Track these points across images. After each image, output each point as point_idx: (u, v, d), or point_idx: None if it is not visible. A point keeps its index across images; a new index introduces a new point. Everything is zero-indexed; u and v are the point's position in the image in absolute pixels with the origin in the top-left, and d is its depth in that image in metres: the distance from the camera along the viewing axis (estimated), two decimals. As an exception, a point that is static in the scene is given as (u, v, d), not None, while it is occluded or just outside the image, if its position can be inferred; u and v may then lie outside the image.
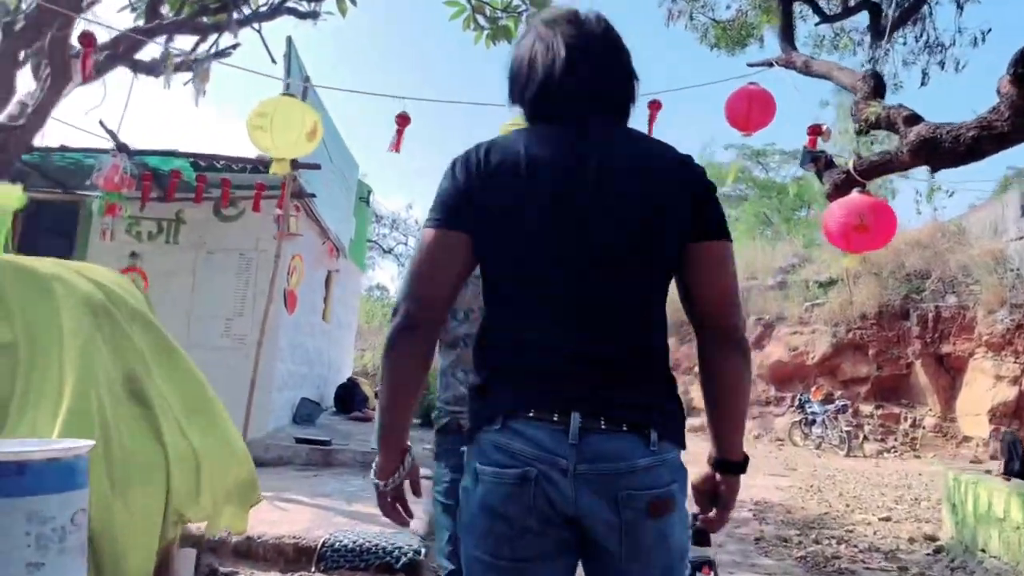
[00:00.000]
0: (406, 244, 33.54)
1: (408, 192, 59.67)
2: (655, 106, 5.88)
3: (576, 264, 1.39)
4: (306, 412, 9.14)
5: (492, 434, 1.39)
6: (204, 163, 8.10)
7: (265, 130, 4.89)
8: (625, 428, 1.36)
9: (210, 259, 8.39)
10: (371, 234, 34.48)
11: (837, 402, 14.79)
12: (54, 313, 2.60)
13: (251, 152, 7.66)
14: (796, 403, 15.73)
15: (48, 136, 7.53)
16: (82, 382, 2.45)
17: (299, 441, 7.26)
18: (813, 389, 15.67)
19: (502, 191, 1.40)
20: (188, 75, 7.57)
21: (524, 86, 1.51)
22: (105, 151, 7.09)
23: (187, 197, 7.76)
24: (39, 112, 6.66)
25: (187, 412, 2.87)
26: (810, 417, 15.14)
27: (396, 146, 6.31)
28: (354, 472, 6.76)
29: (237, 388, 7.94)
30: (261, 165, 7.78)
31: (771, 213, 26.50)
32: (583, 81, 1.46)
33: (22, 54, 6.74)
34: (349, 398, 10.60)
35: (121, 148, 7.07)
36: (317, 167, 7.60)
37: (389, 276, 39.18)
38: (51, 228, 8.46)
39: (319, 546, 4.24)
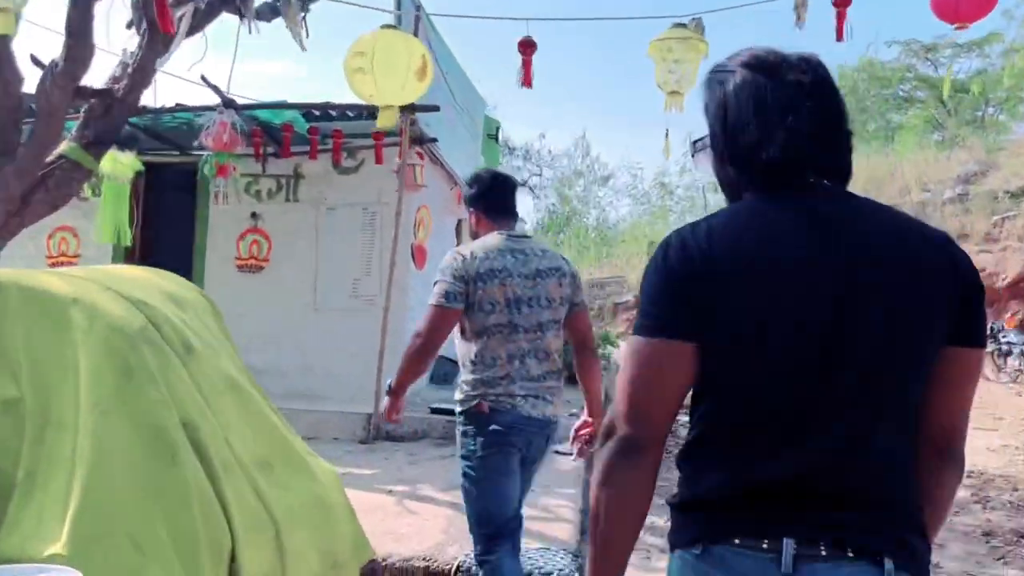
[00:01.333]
0: (540, 175, 32.65)
1: (539, 120, 58.20)
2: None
3: (822, 379, 1.15)
4: (443, 372, 8.58)
5: (691, 559, 1.22)
6: (317, 113, 7.50)
7: (366, 72, 4.08)
8: (851, 554, 1.14)
9: (332, 216, 7.85)
10: (505, 167, 33.93)
11: (1040, 332, 12.88)
12: (70, 353, 1.92)
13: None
14: (988, 332, 13.86)
15: (164, 96, 7.11)
16: (100, 457, 1.76)
17: (434, 411, 6.67)
18: (1007, 316, 13.76)
19: (736, 292, 1.16)
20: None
21: (751, 142, 1.23)
22: (213, 108, 6.57)
23: (303, 151, 7.17)
24: (140, 71, 6.17)
25: (261, 466, 2.16)
26: (1005, 347, 13.32)
27: (526, 79, 5.41)
28: (495, 448, 6.10)
29: (368, 352, 7.47)
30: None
31: (943, 117, 23.58)
32: (819, 141, 1.22)
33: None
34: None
35: (228, 104, 6.53)
36: (436, 109, 6.79)
37: (524, 210, 38.37)
38: (171, 193, 8.17)
39: (453, 571, 3.57)
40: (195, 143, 6.64)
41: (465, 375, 2.84)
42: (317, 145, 6.97)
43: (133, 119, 6.96)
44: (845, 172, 1.26)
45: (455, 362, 8.23)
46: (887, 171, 18.37)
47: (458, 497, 4.27)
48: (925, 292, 1.17)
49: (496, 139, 11.99)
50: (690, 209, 24.42)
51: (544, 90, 48.28)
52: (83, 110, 6.34)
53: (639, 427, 1.20)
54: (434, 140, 7.62)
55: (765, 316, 1.15)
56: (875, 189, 17.96)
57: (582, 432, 2.95)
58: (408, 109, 6.52)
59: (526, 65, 5.35)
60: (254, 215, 7.88)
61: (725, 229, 1.20)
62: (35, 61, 5.16)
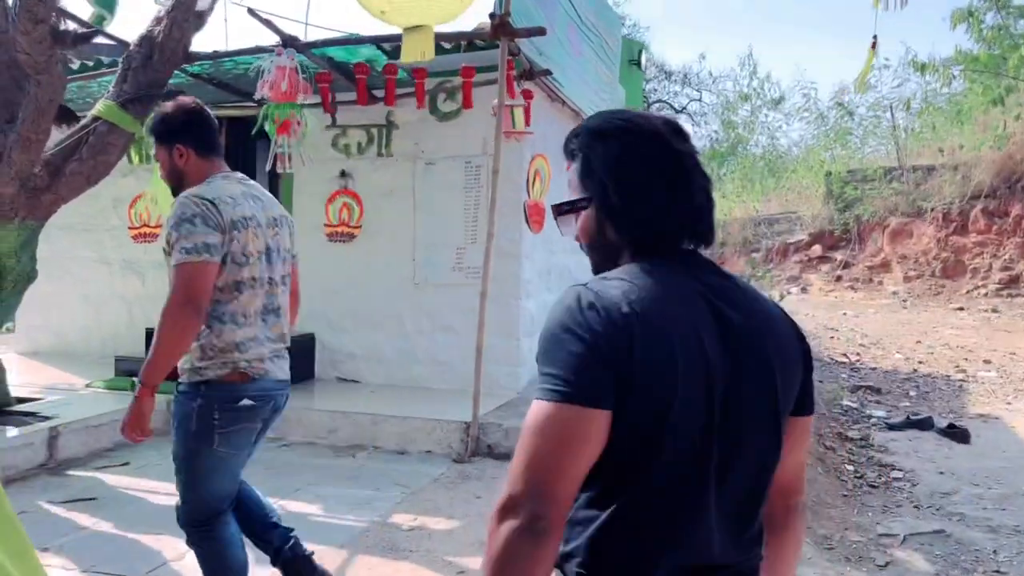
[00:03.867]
0: (699, 100, 29.93)
1: (698, 39, 54.08)
2: None
3: (719, 464, 1.14)
4: (570, 352, 7.21)
5: None
6: (391, 47, 6.17)
7: None
8: None
9: (430, 172, 6.55)
10: (662, 93, 31.44)
11: None
12: None
13: (463, 23, 5.55)
14: None
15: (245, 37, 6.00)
16: None
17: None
18: None
19: (651, 363, 1.09)
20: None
21: (645, 210, 1.23)
22: (269, 49, 5.37)
23: (382, 95, 5.87)
24: (181, 6, 5.06)
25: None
26: None
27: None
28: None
29: (487, 336, 6.23)
30: (480, 39, 5.64)
31: None
32: (703, 210, 1.26)
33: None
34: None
35: (287, 43, 5.31)
36: (540, 32, 5.24)
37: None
38: (251, 152, 7.17)
39: None
40: (256, 95, 5.49)
41: (208, 338, 2.47)
42: (394, 89, 5.64)
43: (193, 67, 5.93)
44: (713, 239, 1.29)
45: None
46: None
47: None
48: (790, 370, 1.22)
49: (639, 64, 10.20)
50: (874, 130, 21.28)
51: (703, 7, 44.52)
52: (121, 60, 5.37)
53: (547, 506, 1.08)
54: (547, 72, 6.08)
55: (673, 392, 1.10)
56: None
57: None
58: (506, 32, 5.04)
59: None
60: (343, 173, 6.72)
61: (633, 292, 1.13)
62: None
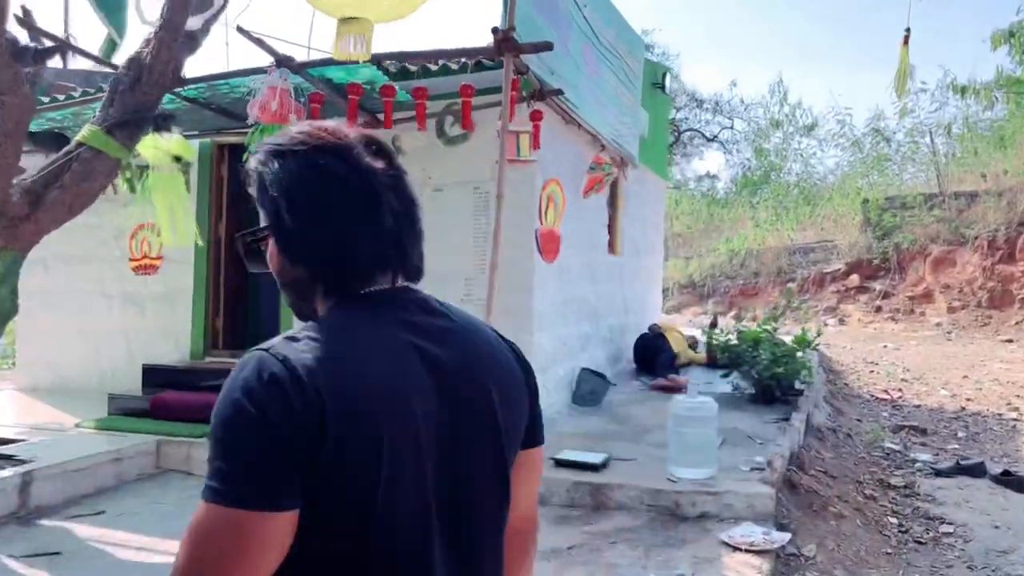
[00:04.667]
0: (731, 128, 29.46)
1: (729, 67, 53.57)
2: None
3: (449, 537, 1.03)
4: (587, 389, 6.77)
5: None
6: (413, 68, 5.88)
7: None
8: None
9: (437, 199, 6.21)
10: (693, 122, 31.05)
11: None
12: None
13: (469, 39, 5.26)
14: None
15: (235, 63, 5.76)
16: None
17: (559, 464, 4.89)
18: None
19: (349, 443, 0.92)
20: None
21: (329, 240, 1.05)
22: (264, 70, 5.10)
23: (383, 116, 5.56)
24: (169, 26, 4.81)
25: None
26: None
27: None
28: (639, 528, 4.25)
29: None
30: (483, 58, 5.34)
31: None
32: (404, 239, 1.11)
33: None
34: (651, 355, 8.03)
35: (281, 62, 5.03)
36: (547, 47, 4.88)
37: (716, 164, 35.20)
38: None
39: None
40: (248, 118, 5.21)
41: None
42: (391, 112, 5.33)
43: (188, 91, 5.68)
44: (422, 272, 1.16)
45: (602, 376, 6.33)
46: None
47: None
48: (515, 405, 1.14)
49: (663, 88, 9.83)
50: (912, 156, 20.60)
51: (733, 34, 44.19)
52: (108, 83, 5.14)
53: None
54: (559, 92, 5.73)
55: (378, 473, 0.95)
56: None
57: None
58: (510, 48, 4.71)
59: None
60: (348, 202, 6.42)
61: (326, 359, 0.96)
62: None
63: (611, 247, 8.42)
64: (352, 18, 2.43)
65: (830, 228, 19.08)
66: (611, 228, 8.39)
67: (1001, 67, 14.53)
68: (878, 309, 16.44)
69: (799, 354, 7.06)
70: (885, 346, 12.97)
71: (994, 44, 14.36)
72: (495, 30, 4.65)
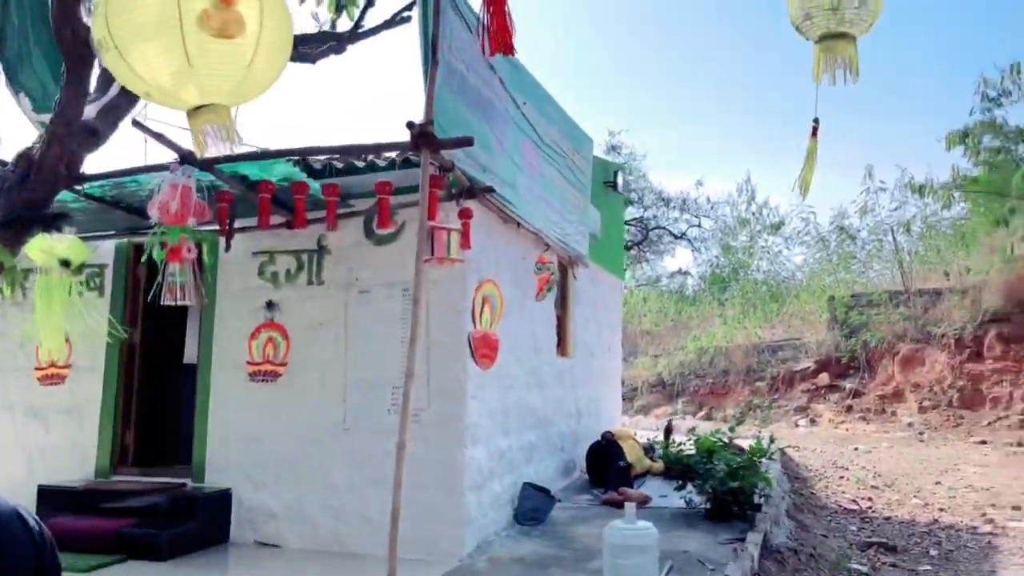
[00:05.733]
0: (699, 226, 29.69)
1: (693, 164, 54.55)
2: None
3: None
4: (530, 507, 6.24)
5: None
6: (338, 166, 5.61)
7: (108, 49, 1.86)
8: None
9: (364, 301, 5.82)
10: (661, 220, 31.31)
11: None
12: None
13: (387, 133, 4.96)
14: None
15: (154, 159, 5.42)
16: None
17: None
18: None
19: None
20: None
21: None
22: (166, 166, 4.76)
23: (304, 219, 5.22)
24: (61, 119, 4.48)
25: None
26: None
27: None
28: None
29: (423, 489, 5.36)
30: (410, 154, 5.07)
31: None
32: None
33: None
34: (603, 465, 7.51)
35: (184, 159, 4.70)
36: (467, 143, 4.60)
37: (686, 261, 35.39)
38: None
39: None
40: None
41: None
42: (303, 207, 5.00)
43: (92, 189, 5.33)
44: None
45: (546, 491, 5.81)
46: None
47: None
48: None
49: (615, 186, 9.67)
50: (877, 254, 20.68)
51: (700, 133, 45.32)
52: (-5, 181, 4.77)
53: None
54: (490, 190, 5.44)
55: None
56: None
57: None
58: (427, 144, 4.41)
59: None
60: (270, 304, 6.00)
61: None
62: None
63: (561, 349, 8.02)
64: (202, 107, 2.09)
65: (798, 326, 18.89)
66: (561, 330, 8.01)
67: (957, 167, 14.71)
68: (849, 408, 16.06)
69: (762, 461, 6.61)
70: (856, 448, 12.52)
71: (949, 144, 14.57)
72: (410, 124, 4.36)
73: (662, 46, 44.05)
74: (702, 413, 17.79)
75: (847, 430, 15.08)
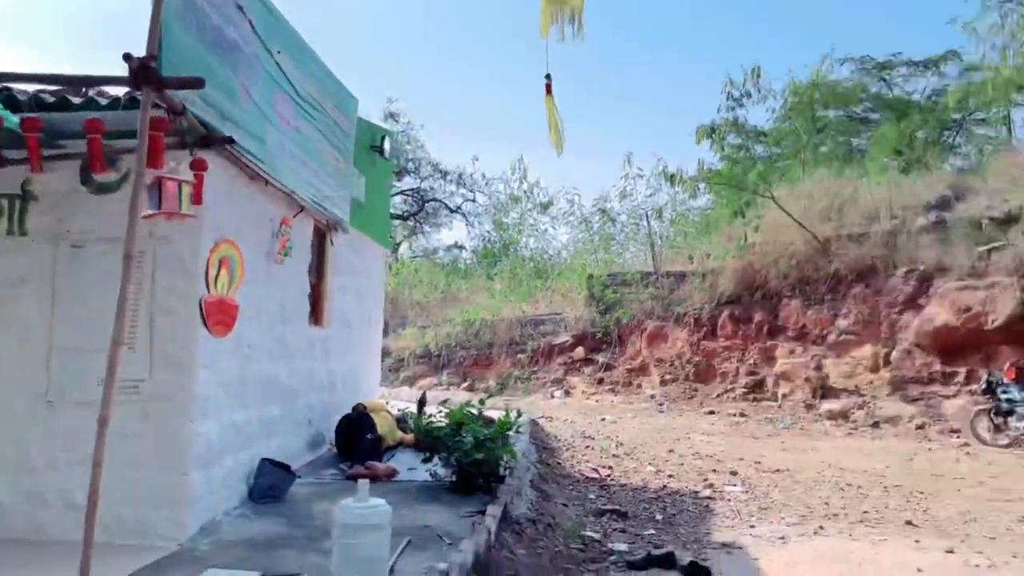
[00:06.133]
0: (474, 201, 30.14)
1: (471, 141, 55.31)
2: None
3: None
4: (266, 484, 5.87)
5: None
6: (51, 99, 4.84)
7: None
8: None
9: (77, 258, 5.11)
10: (438, 192, 31.37)
11: (1053, 387, 10.67)
12: None
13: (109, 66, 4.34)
14: (984, 385, 11.65)
15: None
16: None
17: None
18: (1007, 367, 11.57)
19: None
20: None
21: None
22: None
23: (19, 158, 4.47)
24: None
25: None
26: (1005, 405, 11.11)
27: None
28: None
29: (141, 467, 4.83)
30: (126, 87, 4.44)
31: (903, 138, 21.62)
32: None
33: None
34: (353, 438, 7.28)
35: None
36: (198, 84, 4.10)
37: (457, 238, 35.91)
38: None
39: None
40: None
41: None
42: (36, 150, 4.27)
43: None
44: None
45: (286, 467, 5.45)
46: (849, 196, 16.32)
47: None
48: None
49: (382, 151, 9.36)
50: (634, 236, 22.08)
51: (479, 110, 46.04)
52: None
53: None
54: (229, 140, 4.95)
55: None
56: (838, 216, 15.92)
57: None
58: (149, 81, 3.88)
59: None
60: (-42, 257, 5.11)
61: None
62: None
63: (315, 318, 7.64)
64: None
65: (559, 302, 19.70)
66: (315, 298, 7.63)
67: (703, 160, 15.96)
68: (600, 381, 17.03)
69: (509, 434, 6.70)
70: (603, 419, 13.26)
71: (698, 138, 15.78)
72: (127, 56, 3.81)
73: (449, 20, 44.07)
74: (466, 384, 18.07)
75: (597, 401, 15.98)
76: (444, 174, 30.71)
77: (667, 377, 16.16)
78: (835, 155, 21.17)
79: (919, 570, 5.21)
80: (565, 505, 7.00)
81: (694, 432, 12.09)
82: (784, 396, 14.63)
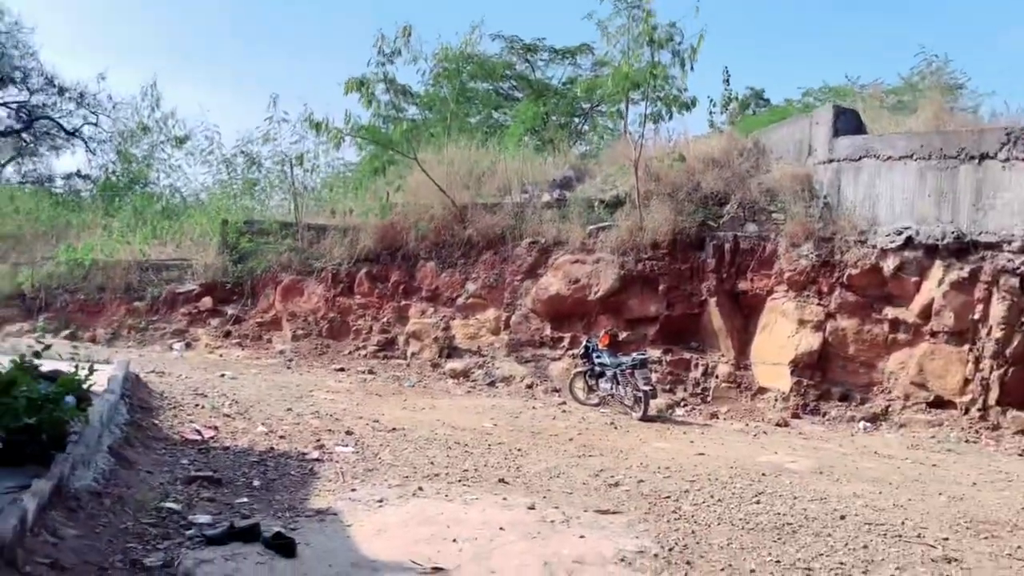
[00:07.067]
0: (96, 124, 26.40)
1: (101, 54, 48.75)
2: None
3: None
4: None
5: None
6: None
7: None
8: None
9: None
10: (51, 110, 27.00)
11: (634, 355, 12.10)
12: None
13: None
14: (582, 350, 12.92)
15: None
16: None
17: None
18: (602, 334, 12.93)
19: None
20: None
21: None
22: None
23: None
24: None
25: None
26: (597, 368, 12.42)
27: None
28: None
29: None
30: None
31: (538, 120, 23.30)
32: None
33: None
34: None
35: None
36: None
37: (77, 164, 31.43)
38: None
39: None
40: None
41: None
42: None
43: None
44: None
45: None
46: (488, 167, 17.08)
47: None
48: None
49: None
50: (279, 184, 20.93)
51: (109, 19, 40.59)
52: None
53: None
54: None
55: None
56: (476, 185, 16.56)
57: None
58: None
59: None
60: None
61: None
62: None
63: None
64: None
65: (189, 247, 18.03)
66: None
67: (350, 112, 15.50)
68: (227, 334, 15.97)
69: (95, 393, 5.72)
70: (223, 375, 12.35)
71: (346, 90, 15.26)
72: None
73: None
74: (67, 332, 15.81)
75: (221, 356, 14.96)
76: (61, 90, 26.54)
77: (299, 332, 15.64)
78: (481, 127, 22.13)
79: (501, 528, 5.41)
80: (150, 472, 6.22)
81: (319, 389, 11.77)
82: (413, 355, 14.94)
